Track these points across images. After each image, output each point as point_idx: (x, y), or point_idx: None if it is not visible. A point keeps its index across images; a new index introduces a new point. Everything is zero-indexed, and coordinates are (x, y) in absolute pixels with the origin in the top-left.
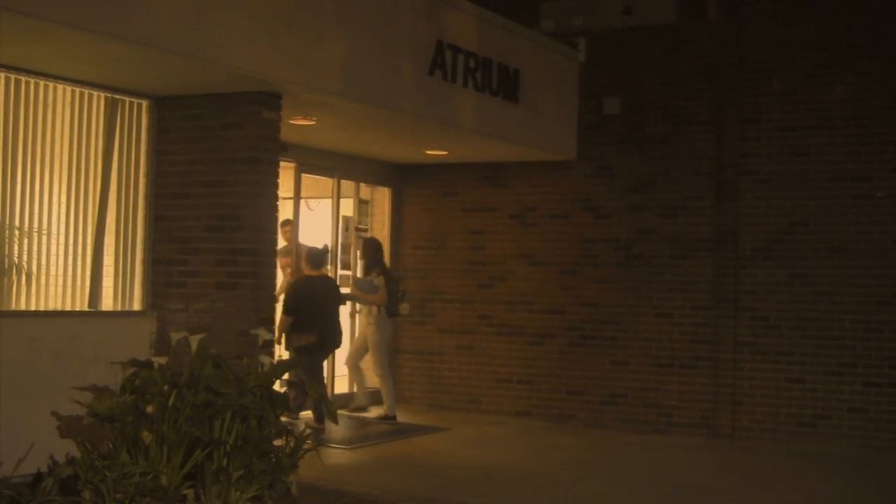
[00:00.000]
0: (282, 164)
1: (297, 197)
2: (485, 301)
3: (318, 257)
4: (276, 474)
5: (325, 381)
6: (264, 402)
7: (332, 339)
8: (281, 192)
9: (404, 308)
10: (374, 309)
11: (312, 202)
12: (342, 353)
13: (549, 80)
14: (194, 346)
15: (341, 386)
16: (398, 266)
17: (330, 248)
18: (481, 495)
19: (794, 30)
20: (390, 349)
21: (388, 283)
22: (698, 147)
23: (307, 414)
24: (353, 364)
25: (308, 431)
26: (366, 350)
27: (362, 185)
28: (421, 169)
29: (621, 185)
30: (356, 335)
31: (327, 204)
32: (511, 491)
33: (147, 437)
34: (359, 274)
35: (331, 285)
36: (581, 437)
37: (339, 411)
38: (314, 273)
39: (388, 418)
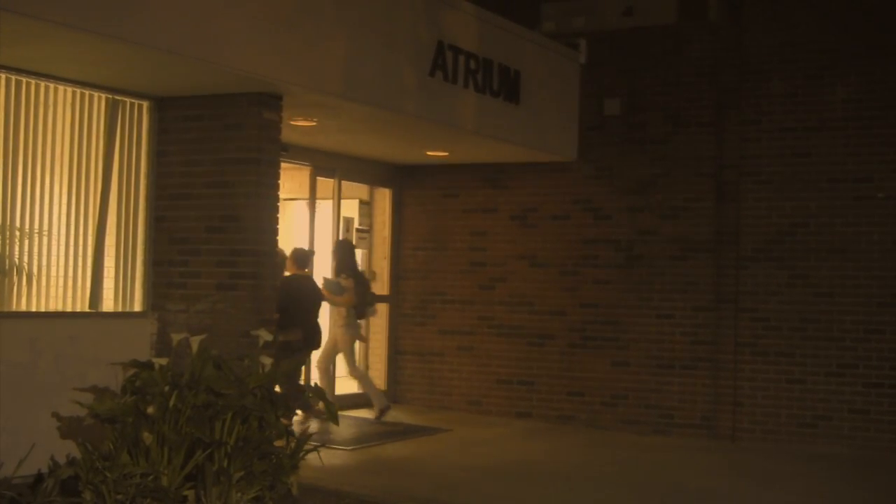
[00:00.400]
0: (297, 167)
1: (312, 199)
2: (485, 302)
3: (304, 257)
4: (277, 475)
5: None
6: (265, 403)
7: (313, 338)
8: (296, 195)
9: (372, 311)
10: (343, 310)
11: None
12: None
13: (549, 81)
14: (195, 347)
15: (342, 387)
16: (399, 267)
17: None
18: (482, 496)
19: (794, 31)
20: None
21: (357, 286)
22: (699, 148)
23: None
24: (325, 367)
25: (308, 429)
26: (336, 352)
27: (363, 185)
28: (422, 170)
29: (622, 186)
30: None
31: (327, 205)
32: (512, 492)
33: (148, 437)
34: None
35: (314, 285)
36: (582, 438)
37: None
38: (300, 272)
39: (383, 411)
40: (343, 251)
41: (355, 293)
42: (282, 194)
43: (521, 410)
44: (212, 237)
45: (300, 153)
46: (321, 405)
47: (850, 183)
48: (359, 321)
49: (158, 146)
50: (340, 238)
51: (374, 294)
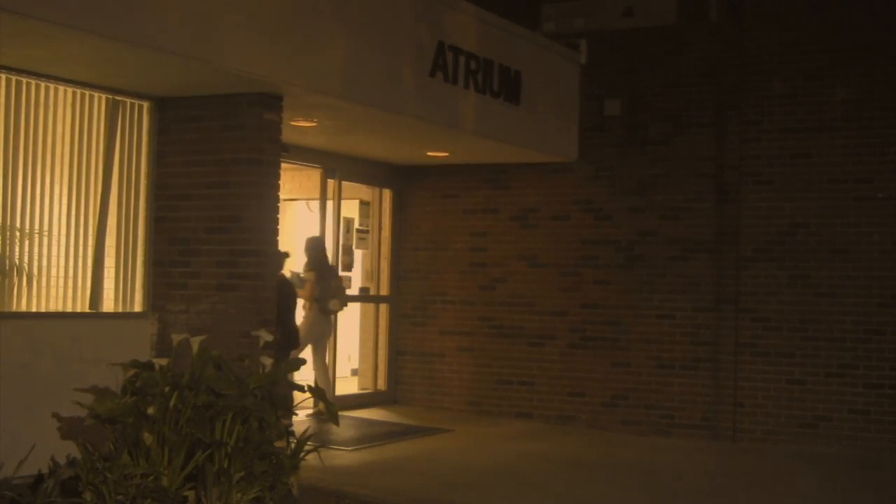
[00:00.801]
0: (307, 169)
1: (322, 200)
2: (486, 302)
3: (281, 258)
4: (277, 476)
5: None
6: (265, 404)
7: (292, 338)
8: (296, 195)
9: (334, 304)
10: (307, 304)
11: (313, 203)
12: (342, 356)
13: (550, 81)
14: (195, 348)
15: (342, 387)
16: (398, 267)
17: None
18: (482, 496)
19: (795, 32)
20: (323, 345)
21: (320, 280)
22: (699, 149)
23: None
24: (321, 365)
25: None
26: (324, 348)
27: (363, 186)
28: (422, 170)
29: (622, 186)
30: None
31: (328, 205)
32: (512, 492)
33: (148, 438)
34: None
35: (291, 285)
36: (582, 439)
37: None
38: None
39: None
40: (309, 247)
41: (318, 286)
42: (282, 194)
43: (522, 411)
44: (212, 237)
45: (300, 153)
46: (321, 406)
47: (850, 183)
48: (329, 316)
49: (159, 146)
50: (311, 236)
51: (340, 289)
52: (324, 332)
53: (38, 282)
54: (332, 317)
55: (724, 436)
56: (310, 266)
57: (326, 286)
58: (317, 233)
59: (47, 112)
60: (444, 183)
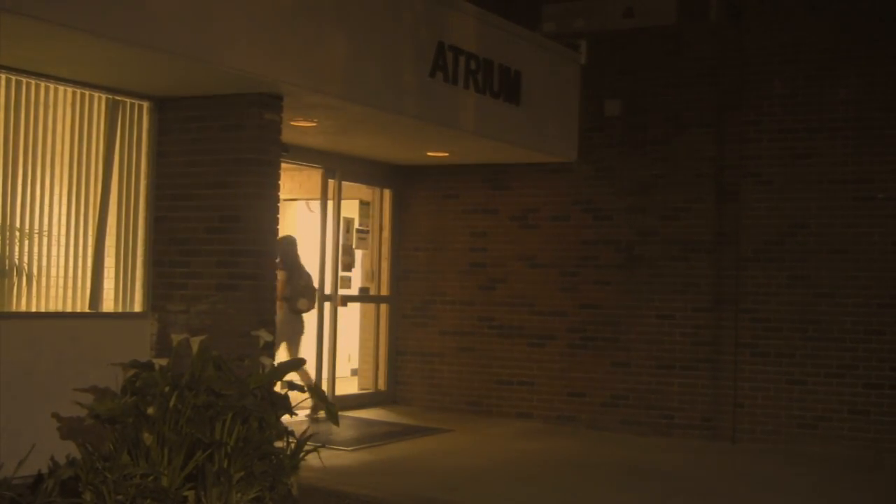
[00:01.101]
0: (307, 169)
1: (322, 200)
2: (485, 303)
3: None
4: (277, 476)
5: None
6: (265, 404)
7: None
8: (296, 195)
9: (302, 304)
10: (278, 303)
11: (313, 203)
12: (342, 356)
13: (550, 81)
14: (195, 348)
15: (342, 387)
16: (398, 267)
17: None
18: (482, 496)
19: (795, 32)
20: (297, 344)
21: (290, 280)
22: (699, 149)
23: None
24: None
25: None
26: (298, 347)
27: (363, 186)
28: (422, 170)
29: (622, 186)
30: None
31: (328, 206)
32: (512, 493)
33: (148, 438)
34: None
35: None
36: (582, 439)
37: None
38: None
39: None
40: (282, 247)
41: (288, 286)
42: (282, 194)
43: (522, 411)
44: (212, 238)
45: (300, 153)
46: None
47: (850, 184)
48: (299, 315)
49: (159, 147)
50: (282, 235)
51: (309, 288)
52: (295, 331)
53: (38, 282)
54: (303, 316)
55: (724, 436)
56: (280, 266)
57: (296, 286)
58: (317, 233)
59: (47, 112)
60: (444, 183)
